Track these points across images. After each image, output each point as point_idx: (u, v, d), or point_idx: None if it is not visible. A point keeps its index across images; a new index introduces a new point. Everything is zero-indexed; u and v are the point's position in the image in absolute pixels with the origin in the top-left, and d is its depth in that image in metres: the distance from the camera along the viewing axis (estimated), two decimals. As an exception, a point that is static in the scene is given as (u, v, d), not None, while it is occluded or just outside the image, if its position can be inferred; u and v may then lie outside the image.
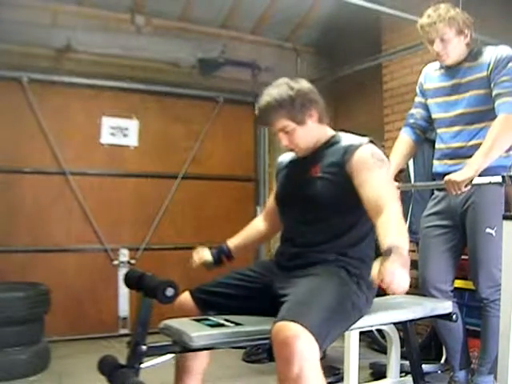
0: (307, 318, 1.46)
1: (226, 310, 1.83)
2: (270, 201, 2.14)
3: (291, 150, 1.93)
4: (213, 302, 1.86)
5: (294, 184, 1.92)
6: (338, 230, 1.82)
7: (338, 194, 1.78)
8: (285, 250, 1.92)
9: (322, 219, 1.82)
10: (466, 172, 2.19)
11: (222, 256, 2.11)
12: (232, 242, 2.16)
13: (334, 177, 1.78)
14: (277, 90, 1.82)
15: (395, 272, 1.41)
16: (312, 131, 1.86)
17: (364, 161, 1.74)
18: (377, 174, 1.71)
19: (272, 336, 1.48)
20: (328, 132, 1.93)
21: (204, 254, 2.10)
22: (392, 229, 1.57)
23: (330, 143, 1.88)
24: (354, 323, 1.74)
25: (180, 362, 1.89)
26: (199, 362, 1.87)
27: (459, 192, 2.20)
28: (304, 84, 1.87)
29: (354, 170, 1.74)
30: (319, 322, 1.49)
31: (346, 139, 1.85)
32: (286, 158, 2.08)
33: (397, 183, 2.55)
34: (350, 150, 1.77)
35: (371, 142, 1.82)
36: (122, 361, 1.57)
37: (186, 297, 1.89)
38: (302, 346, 1.41)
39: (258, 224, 2.22)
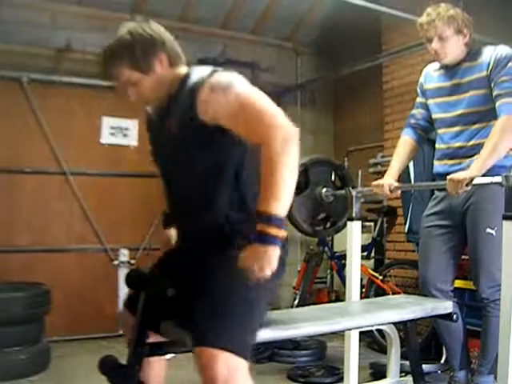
0: (221, 338, 1.38)
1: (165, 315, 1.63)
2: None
3: (143, 103, 1.70)
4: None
5: (159, 143, 1.72)
6: (209, 192, 1.59)
7: (198, 148, 1.55)
8: (174, 221, 1.77)
9: (191, 185, 1.62)
10: (468, 173, 2.20)
11: None
12: None
13: (190, 129, 1.54)
14: (115, 39, 1.60)
15: (257, 263, 1.39)
16: (162, 78, 1.61)
17: (208, 102, 1.48)
18: (231, 108, 1.47)
19: (195, 359, 1.41)
20: (182, 72, 1.64)
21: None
22: (264, 187, 1.42)
23: (181, 86, 1.59)
24: (275, 286, 1.64)
25: None
26: (154, 374, 1.71)
27: (460, 191, 2.20)
28: (148, 27, 1.61)
29: (209, 118, 1.50)
30: (234, 333, 1.41)
31: (192, 78, 1.57)
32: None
33: (398, 183, 2.56)
34: (192, 96, 1.51)
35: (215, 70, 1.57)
36: (123, 361, 1.57)
37: (125, 313, 1.72)
38: (222, 369, 1.35)
39: None
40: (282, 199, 1.41)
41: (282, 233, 1.42)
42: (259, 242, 1.40)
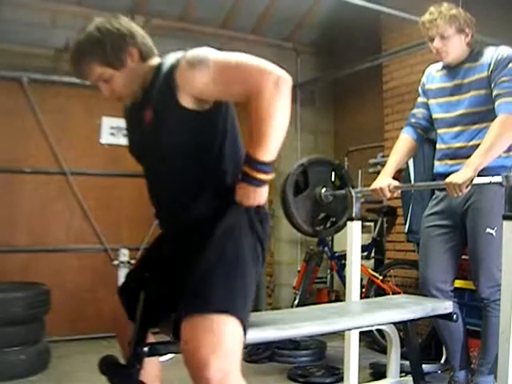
0: (210, 304, 1.36)
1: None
2: None
3: (117, 100, 1.67)
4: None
5: (135, 138, 1.70)
6: (190, 178, 1.58)
7: (178, 136, 1.54)
8: (158, 217, 1.73)
9: (173, 173, 1.59)
10: (466, 173, 2.19)
11: None
12: None
13: (169, 116, 1.51)
14: (84, 36, 1.58)
15: (245, 199, 1.49)
16: (135, 72, 1.59)
17: (189, 78, 1.46)
18: (214, 75, 1.45)
19: (182, 350, 1.36)
20: (155, 63, 1.62)
21: None
22: (255, 132, 1.43)
23: (156, 75, 1.57)
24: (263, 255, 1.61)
25: None
26: (145, 374, 1.62)
27: (460, 194, 2.20)
28: (117, 22, 1.63)
29: (188, 98, 1.48)
30: (225, 294, 1.39)
31: (166, 64, 1.56)
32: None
33: (398, 183, 2.55)
34: (170, 78, 1.49)
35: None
36: (123, 361, 1.57)
37: (119, 308, 1.71)
38: (215, 373, 1.31)
39: None
40: (271, 145, 1.44)
41: (268, 177, 1.47)
42: (246, 182, 1.47)
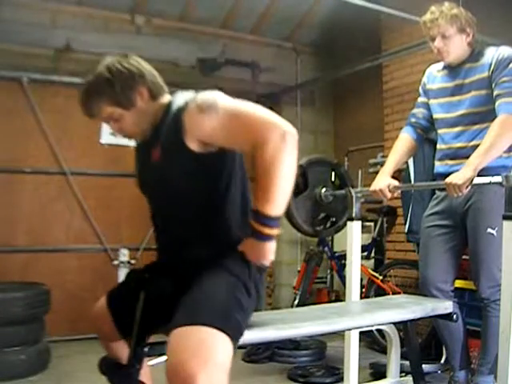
0: (207, 317, 1.34)
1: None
2: None
3: (127, 138, 1.71)
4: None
5: (144, 174, 1.73)
6: (195, 218, 1.59)
7: (184, 175, 1.55)
8: (159, 245, 1.76)
9: (178, 212, 1.61)
10: (465, 173, 2.19)
11: None
12: None
13: (176, 156, 1.52)
14: (94, 76, 1.60)
15: (253, 255, 1.47)
16: (144, 111, 1.60)
17: (197, 123, 1.47)
18: (223, 122, 1.46)
19: (168, 359, 1.31)
20: (164, 102, 1.63)
21: None
22: (261, 187, 1.42)
23: (165, 114, 1.59)
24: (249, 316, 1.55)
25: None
26: (143, 374, 1.64)
27: (460, 194, 2.20)
28: (126, 61, 1.60)
29: (196, 142, 1.49)
30: (218, 310, 1.37)
31: (175, 104, 1.57)
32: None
33: (397, 183, 2.55)
34: (179, 120, 1.50)
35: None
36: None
37: (102, 306, 1.71)
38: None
39: None
40: (278, 200, 1.42)
41: (275, 231, 1.46)
42: (254, 238, 1.46)
